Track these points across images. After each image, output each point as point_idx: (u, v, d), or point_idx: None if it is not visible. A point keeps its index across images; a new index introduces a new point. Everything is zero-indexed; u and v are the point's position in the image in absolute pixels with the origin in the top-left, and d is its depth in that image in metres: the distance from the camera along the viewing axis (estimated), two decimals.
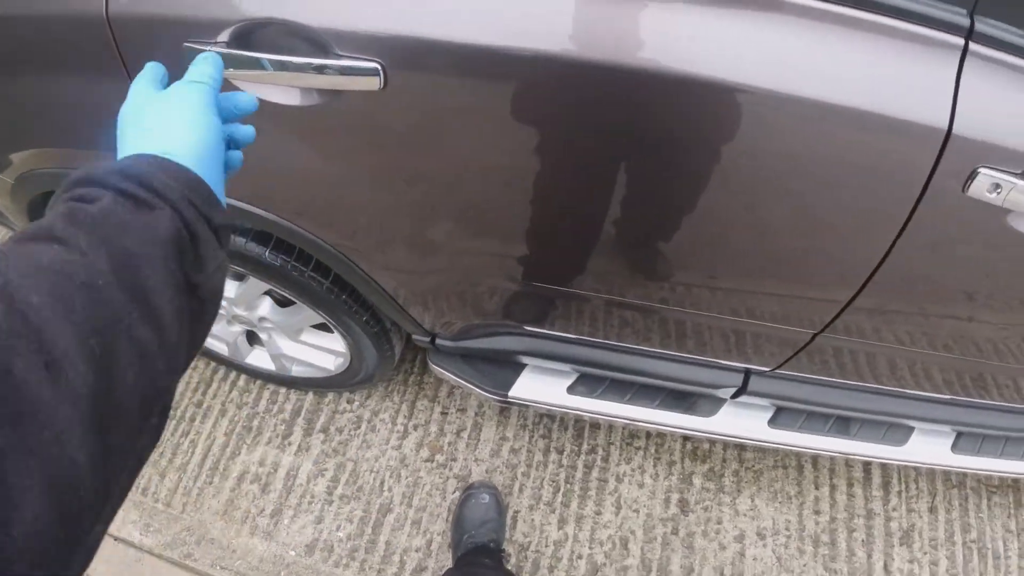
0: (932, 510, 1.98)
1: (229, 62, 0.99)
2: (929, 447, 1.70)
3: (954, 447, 1.71)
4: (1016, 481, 2.03)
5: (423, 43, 0.94)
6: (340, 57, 0.95)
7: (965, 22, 0.87)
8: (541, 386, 1.67)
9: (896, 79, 0.90)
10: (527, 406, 1.70)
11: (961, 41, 0.88)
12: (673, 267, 1.24)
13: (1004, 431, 1.66)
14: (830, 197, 1.03)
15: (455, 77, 0.97)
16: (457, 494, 1.92)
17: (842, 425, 1.67)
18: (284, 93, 1.03)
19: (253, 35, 0.98)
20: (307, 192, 1.22)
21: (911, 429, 1.70)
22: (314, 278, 1.43)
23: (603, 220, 1.15)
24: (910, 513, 1.97)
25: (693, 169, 1.04)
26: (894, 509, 1.97)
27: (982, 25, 0.87)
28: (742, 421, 1.67)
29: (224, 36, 0.98)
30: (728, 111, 0.95)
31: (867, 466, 2.03)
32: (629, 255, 1.25)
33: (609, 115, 0.98)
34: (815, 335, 1.30)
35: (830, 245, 1.11)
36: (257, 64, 0.98)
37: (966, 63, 0.88)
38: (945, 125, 0.90)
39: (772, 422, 1.66)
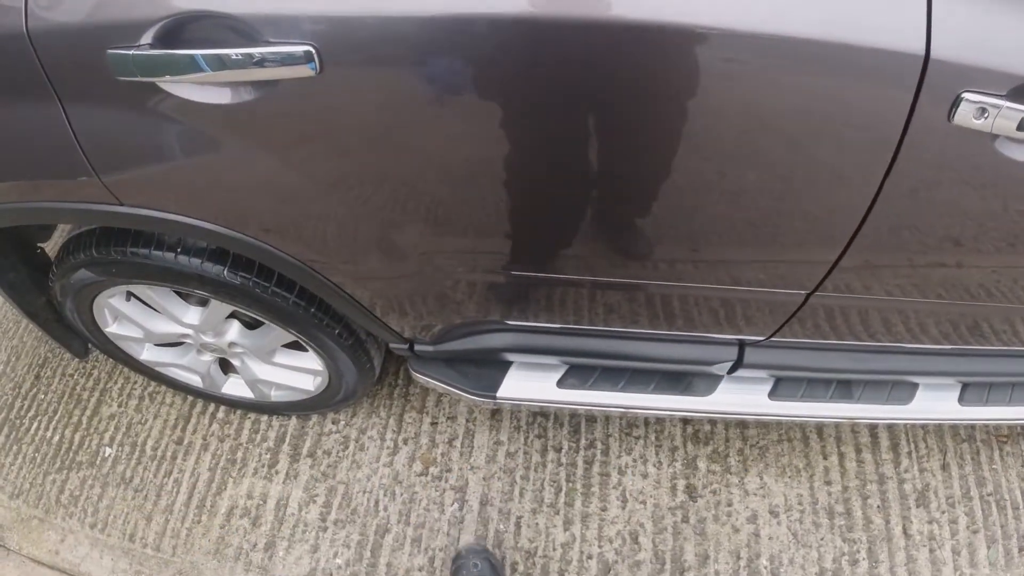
0: (944, 468, 1.92)
1: (162, 68, 0.93)
2: (936, 402, 1.64)
3: (961, 399, 1.65)
4: None
5: (355, 20, 0.88)
6: (271, 44, 0.89)
7: None
8: (530, 383, 1.60)
9: (864, 4, 0.85)
10: (518, 406, 1.64)
11: None
12: (654, 237, 1.17)
13: (1011, 377, 1.61)
14: (811, 143, 0.97)
15: (395, 53, 0.91)
16: (455, 506, 1.84)
17: (844, 389, 1.62)
18: (210, 90, 0.96)
19: (179, 32, 0.92)
20: (266, 204, 1.15)
21: (915, 386, 1.64)
22: (278, 293, 1.35)
23: (580, 196, 1.09)
24: (923, 473, 1.91)
25: (667, 128, 0.98)
26: (906, 471, 1.91)
27: None
28: (741, 397, 1.60)
29: (147, 38, 0.91)
30: (690, 57, 0.88)
31: (873, 430, 1.97)
32: (608, 229, 1.18)
33: (574, 78, 0.92)
34: (808, 295, 1.24)
35: (818, 196, 1.05)
36: (192, 63, 0.92)
37: None
38: (922, 51, 0.85)
39: (772, 394, 1.60)
